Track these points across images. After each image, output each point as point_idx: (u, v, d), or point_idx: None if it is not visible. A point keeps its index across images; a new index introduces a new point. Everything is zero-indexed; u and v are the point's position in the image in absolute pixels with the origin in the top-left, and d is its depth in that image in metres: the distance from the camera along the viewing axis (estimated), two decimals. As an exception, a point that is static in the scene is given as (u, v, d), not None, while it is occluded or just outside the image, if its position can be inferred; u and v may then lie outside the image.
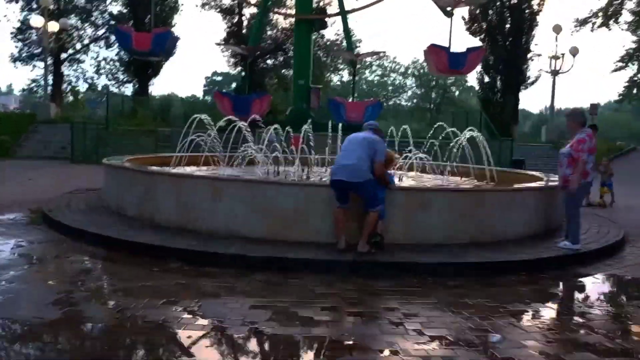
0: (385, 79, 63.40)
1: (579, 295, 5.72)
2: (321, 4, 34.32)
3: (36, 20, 26.31)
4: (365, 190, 6.06)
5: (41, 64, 32.56)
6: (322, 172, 9.19)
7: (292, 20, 27.69)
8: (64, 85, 36.78)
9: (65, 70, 36.73)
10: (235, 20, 36.30)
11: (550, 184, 8.32)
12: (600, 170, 12.56)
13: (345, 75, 50.60)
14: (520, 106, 35.26)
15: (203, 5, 37.02)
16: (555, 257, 6.50)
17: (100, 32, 37.64)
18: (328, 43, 38.92)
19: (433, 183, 9.04)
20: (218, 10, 36.90)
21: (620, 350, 3.91)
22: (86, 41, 37.70)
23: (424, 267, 5.82)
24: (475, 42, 31.58)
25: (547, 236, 7.47)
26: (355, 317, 4.45)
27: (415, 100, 61.27)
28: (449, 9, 18.80)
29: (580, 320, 4.64)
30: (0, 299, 4.52)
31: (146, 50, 19.61)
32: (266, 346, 3.91)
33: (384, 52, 58.33)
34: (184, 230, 6.81)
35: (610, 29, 34.56)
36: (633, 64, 36.05)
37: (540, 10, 32.08)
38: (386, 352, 3.73)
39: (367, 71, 61.47)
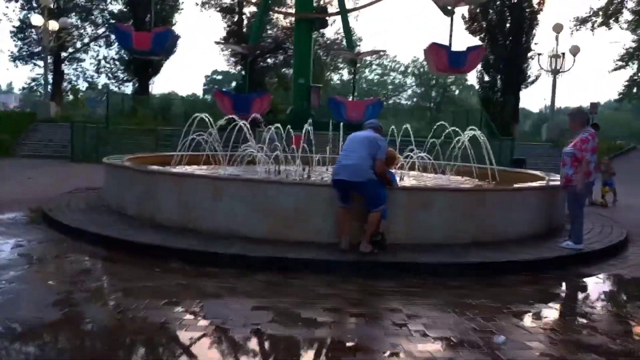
0: (385, 77, 63.34)
1: (582, 296, 5.69)
2: (322, 2, 34.31)
3: (36, 19, 26.30)
4: (367, 189, 6.02)
5: (41, 63, 32.58)
6: (323, 171, 9.17)
7: (293, 19, 27.71)
8: (64, 84, 36.83)
9: (66, 69, 36.86)
10: (236, 19, 36.33)
11: (552, 183, 8.29)
12: (601, 169, 12.55)
13: (346, 74, 50.68)
14: (521, 105, 35.26)
15: (203, 4, 37.07)
16: (558, 257, 6.46)
17: (101, 31, 37.76)
18: (328, 42, 38.98)
19: (434, 182, 9.01)
20: (218, 9, 36.96)
21: (624, 352, 3.88)
22: (86, 40, 37.87)
23: (425, 267, 5.79)
24: (476, 41, 31.65)
25: (549, 236, 7.43)
26: (357, 318, 4.41)
27: (415, 99, 61.21)
28: (449, 8, 18.76)
29: (584, 321, 4.61)
30: (0, 299, 4.48)
31: (146, 49, 19.63)
32: (269, 348, 3.88)
33: (384, 51, 58.28)
34: (185, 230, 6.78)
35: (610, 28, 34.58)
36: (633, 63, 36.06)
37: (541, 9, 32.13)
38: (390, 354, 3.69)
39: (367, 70, 61.46)
